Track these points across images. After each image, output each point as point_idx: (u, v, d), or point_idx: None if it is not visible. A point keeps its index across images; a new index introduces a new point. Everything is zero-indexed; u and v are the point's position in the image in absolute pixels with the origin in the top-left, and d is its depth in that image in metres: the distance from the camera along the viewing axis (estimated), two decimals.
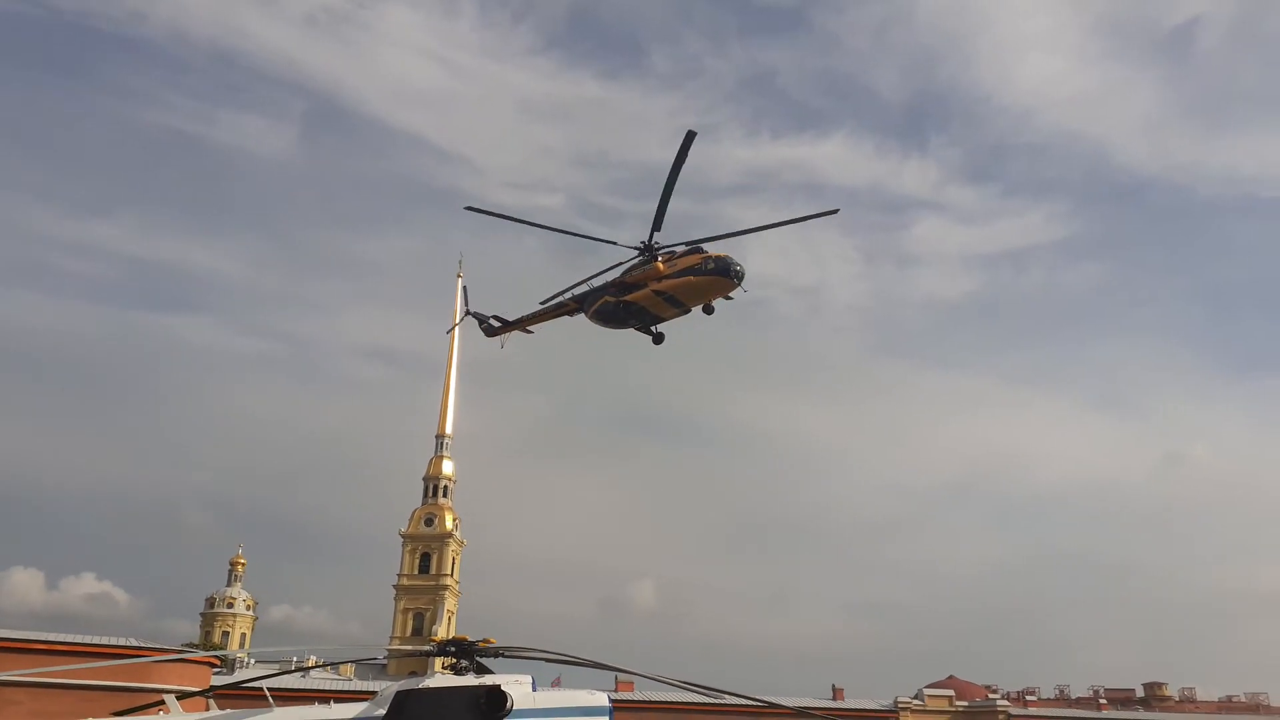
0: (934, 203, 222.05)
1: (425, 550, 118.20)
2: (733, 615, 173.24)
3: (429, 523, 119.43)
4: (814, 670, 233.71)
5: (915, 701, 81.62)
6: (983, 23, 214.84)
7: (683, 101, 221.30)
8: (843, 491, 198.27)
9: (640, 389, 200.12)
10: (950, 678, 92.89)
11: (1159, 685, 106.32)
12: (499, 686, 20.91)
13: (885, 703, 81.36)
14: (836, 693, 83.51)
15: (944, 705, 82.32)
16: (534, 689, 21.73)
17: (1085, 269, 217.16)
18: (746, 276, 26.27)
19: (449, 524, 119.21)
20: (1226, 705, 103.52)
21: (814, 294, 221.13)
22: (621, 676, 60.65)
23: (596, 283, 27.99)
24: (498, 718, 20.56)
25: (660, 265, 26.21)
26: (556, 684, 41.70)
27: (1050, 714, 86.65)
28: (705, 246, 26.08)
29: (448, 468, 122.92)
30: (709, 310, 26.69)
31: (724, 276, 25.78)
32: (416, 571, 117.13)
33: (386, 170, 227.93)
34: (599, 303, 27.51)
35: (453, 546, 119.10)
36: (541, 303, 28.79)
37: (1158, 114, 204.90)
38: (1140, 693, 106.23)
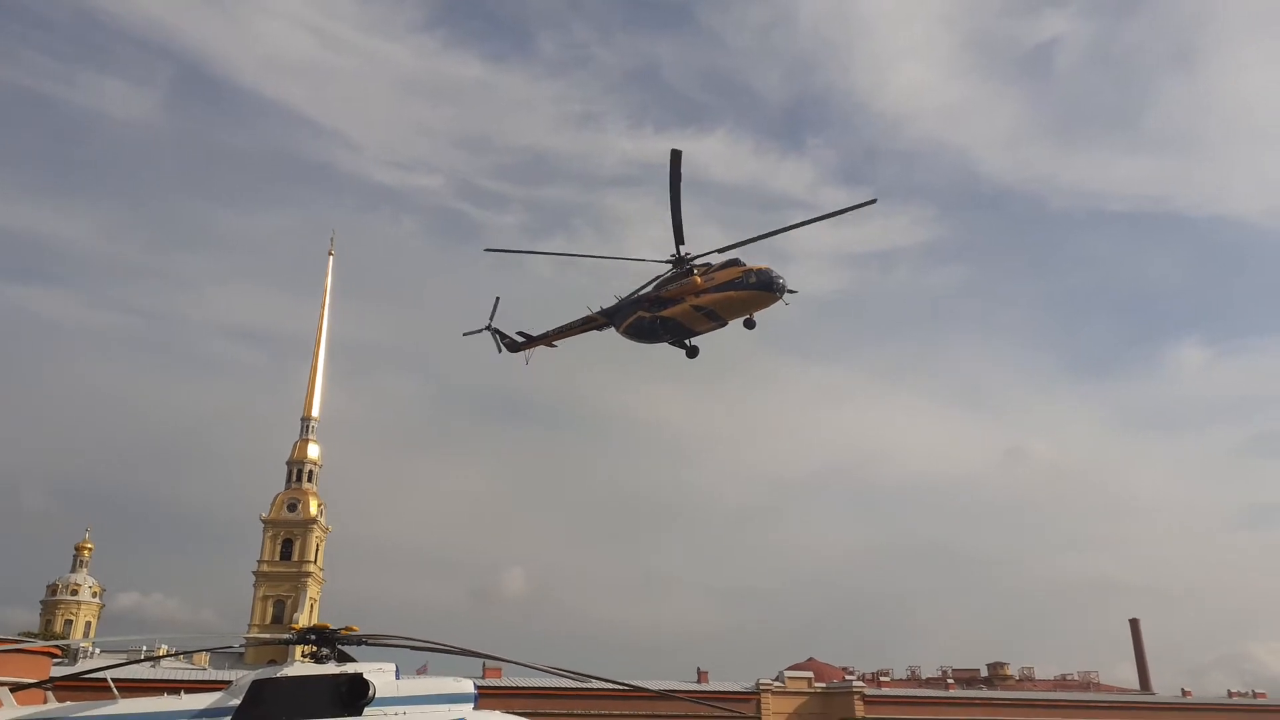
0: (808, 203, 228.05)
1: (288, 536, 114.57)
2: (603, 601, 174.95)
3: (292, 508, 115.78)
4: (681, 654, 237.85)
5: (776, 683, 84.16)
6: (861, 31, 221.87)
7: (568, 89, 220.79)
8: (714, 479, 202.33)
9: (514, 374, 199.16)
10: (810, 660, 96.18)
11: (1001, 665, 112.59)
12: (360, 675, 20.59)
13: (747, 685, 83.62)
14: (701, 675, 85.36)
15: (803, 686, 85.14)
16: (398, 677, 21.49)
17: (948, 271, 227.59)
18: (787, 289, 25.86)
19: (313, 509, 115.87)
20: (1061, 683, 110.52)
21: None
22: (489, 664, 60.40)
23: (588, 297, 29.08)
24: (359, 706, 20.24)
25: (698, 279, 25.54)
26: (423, 672, 41.23)
27: (901, 693, 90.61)
28: (707, 254, 26.03)
29: (313, 451, 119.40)
30: (750, 324, 25.93)
31: (767, 290, 25.31)
32: (278, 558, 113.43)
33: (257, 143, 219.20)
34: (633, 319, 26.56)
35: (316, 533, 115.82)
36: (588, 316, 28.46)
37: (1017, 128, 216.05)
38: (984, 672, 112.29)
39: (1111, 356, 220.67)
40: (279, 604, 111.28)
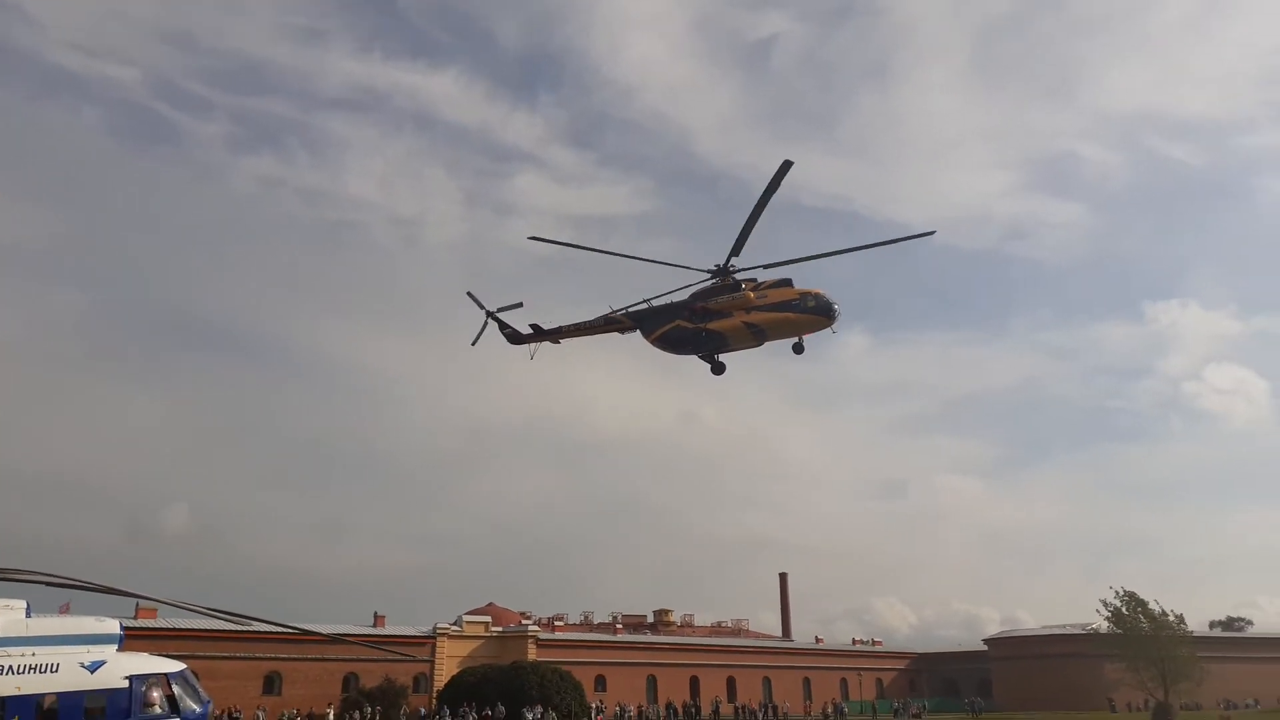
0: (536, 158, 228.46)
1: None
2: (284, 544, 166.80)
3: None
4: (364, 600, 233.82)
5: (454, 627, 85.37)
6: None
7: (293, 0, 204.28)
8: (415, 425, 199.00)
9: (199, 299, 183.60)
10: (490, 605, 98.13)
11: (666, 612, 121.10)
12: None
13: (425, 629, 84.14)
14: (378, 620, 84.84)
15: (480, 630, 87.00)
16: (28, 615, 19.82)
17: (660, 244, 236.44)
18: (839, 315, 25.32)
19: None
20: (715, 630, 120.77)
21: (413, 226, 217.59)
22: (142, 604, 56.28)
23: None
24: None
25: (751, 294, 24.65)
26: (65, 611, 37.85)
27: (572, 637, 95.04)
28: (751, 273, 24.88)
29: None
30: (799, 349, 25.30)
31: (825, 316, 24.64)
32: None
33: None
34: (669, 327, 25.35)
35: None
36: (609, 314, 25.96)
37: (733, 116, 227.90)
38: (651, 618, 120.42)
39: None
40: None
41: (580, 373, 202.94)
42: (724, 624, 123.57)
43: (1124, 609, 71.39)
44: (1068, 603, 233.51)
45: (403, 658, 75.16)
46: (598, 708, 64.85)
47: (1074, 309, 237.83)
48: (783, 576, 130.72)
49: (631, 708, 72.16)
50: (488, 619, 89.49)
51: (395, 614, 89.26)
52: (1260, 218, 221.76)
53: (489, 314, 26.81)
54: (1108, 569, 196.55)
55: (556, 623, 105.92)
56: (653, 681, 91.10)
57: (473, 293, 27.18)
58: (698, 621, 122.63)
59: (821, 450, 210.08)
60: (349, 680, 76.36)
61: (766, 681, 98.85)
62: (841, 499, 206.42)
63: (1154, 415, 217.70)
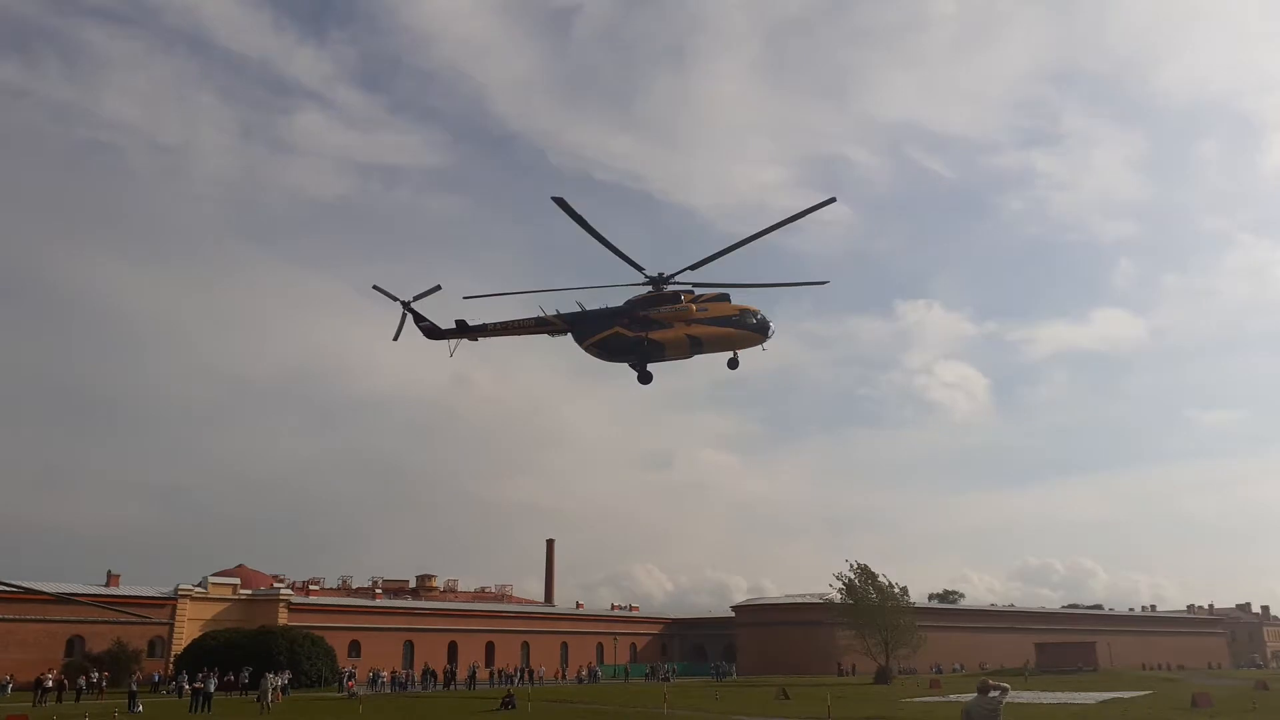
0: (322, 97, 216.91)
1: None
2: (4, 495, 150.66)
3: None
4: (96, 556, 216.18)
5: (198, 589, 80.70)
6: None
7: None
8: (161, 371, 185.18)
9: None
10: (240, 566, 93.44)
11: (430, 578, 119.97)
12: None
13: (165, 590, 79.02)
14: (111, 579, 78.81)
15: (228, 593, 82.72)
16: None
17: (449, 201, 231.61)
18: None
19: None
20: (479, 595, 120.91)
21: (178, 155, 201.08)
22: None
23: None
24: None
25: (693, 306, 24.11)
26: None
27: (328, 602, 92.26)
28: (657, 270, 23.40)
29: None
30: (734, 364, 25.02)
31: (762, 334, 24.50)
32: None
33: None
34: (608, 333, 24.33)
35: None
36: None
37: (532, 80, 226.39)
38: (413, 584, 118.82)
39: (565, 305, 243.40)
40: None
41: (346, 327, 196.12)
42: (488, 589, 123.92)
43: (856, 580, 77.75)
44: (810, 573, 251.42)
45: (138, 619, 70.37)
46: (350, 673, 63.35)
47: (833, 302, 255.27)
48: (549, 543, 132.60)
49: (385, 673, 71.03)
50: (236, 581, 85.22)
51: (133, 573, 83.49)
52: (1000, 231, 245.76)
53: (405, 305, 24.63)
54: (845, 542, 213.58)
55: (312, 587, 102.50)
56: (410, 647, 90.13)
57: (380, 286, 25.04)
58: (462, 587, 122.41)
59: (597, 421, 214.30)
60: (73, 644, 70.66)
61: (525, 646, 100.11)
62: (611, 469, 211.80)
63: (893, 403, 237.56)
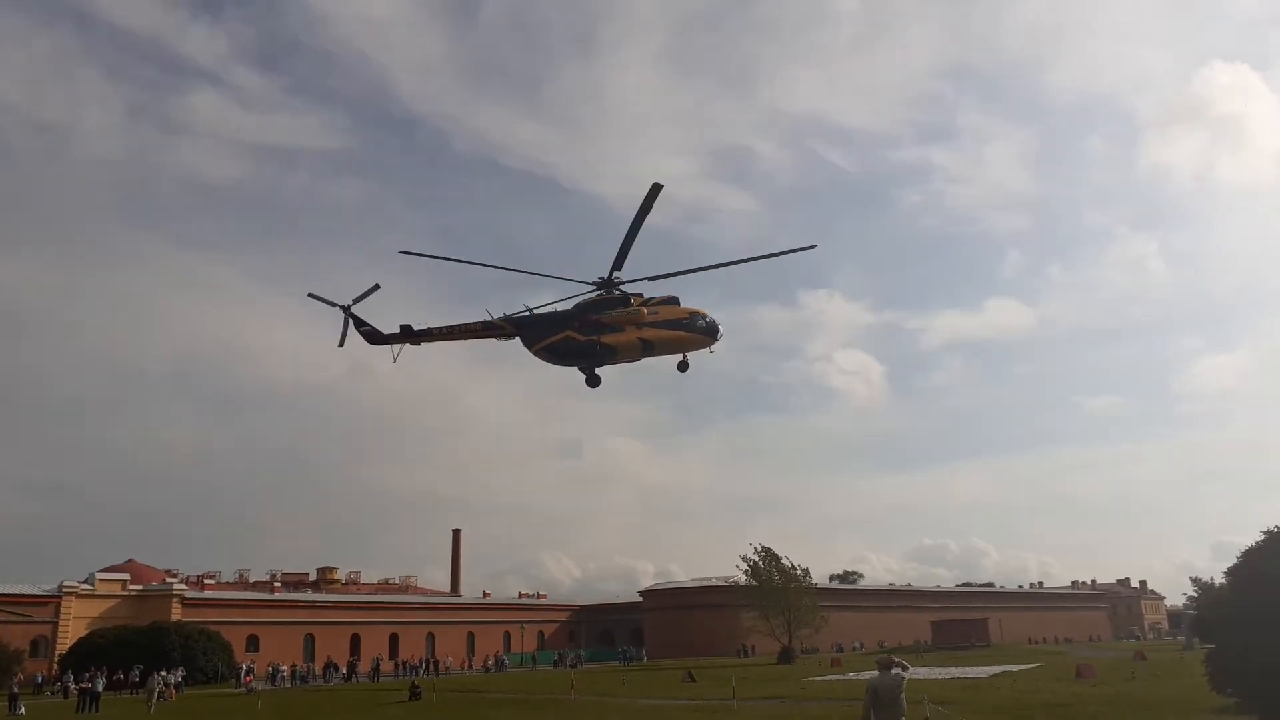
0: (216, 76, 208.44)
1: None
2: None
3: None
4: None
5: (84, 585, 77.33)
6: None
7: None
8: (45, 361, 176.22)
9: None
10: (130, 561, 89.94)
11: (331, 570, 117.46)
12: None
13: (49, 587, 75.46)
14: None
15: (116, 589, 79.50)
16: None
17: (349, 185, 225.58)
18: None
19: None
20: (383, 587, 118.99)
21: (59, 135, 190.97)
22: None
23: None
24: None
25: (644, 310, 23.84)
26: None
27: (225, 596, 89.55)
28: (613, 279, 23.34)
29: None
30: (684, 367, 24.95)
31: (711, 337, 24.70)
32: None
33: None
34: (559, 337, 23.80)
35: None
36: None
37: (437, 64, 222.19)
38: (314, 576, 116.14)
39: (482, 296, 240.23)
40: None
41: (239, 314, 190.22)
42: (392, 581, 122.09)
43: (761, 563, 79.15)
44: (717, 557, 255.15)
45: (18, 618, 67.05)
46: (248, 668, 61.58)
47: (739, 291, 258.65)
48: (456, 533, 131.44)
49: (285, 667, 69.28)
50: (125, 577, 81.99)
51: (12, 570, 79.55)
52: (898, 224, 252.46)
53: (345, 310, 23.51)
54: (751, 526, 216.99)
55: (207, 581, 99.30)
56: (311, 640, 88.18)
57: (315, 293, 23.98)
58: (365, 579, 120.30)
59: (504, 409, 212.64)
60: None
61: (431, 637, 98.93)
62: (519, 457, 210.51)
63: (795, 391, 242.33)
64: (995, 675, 45.46)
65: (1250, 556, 19.79)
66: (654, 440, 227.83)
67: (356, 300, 23.42)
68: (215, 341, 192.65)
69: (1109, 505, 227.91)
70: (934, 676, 43.25)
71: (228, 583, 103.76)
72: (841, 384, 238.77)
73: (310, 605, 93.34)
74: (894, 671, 13.75)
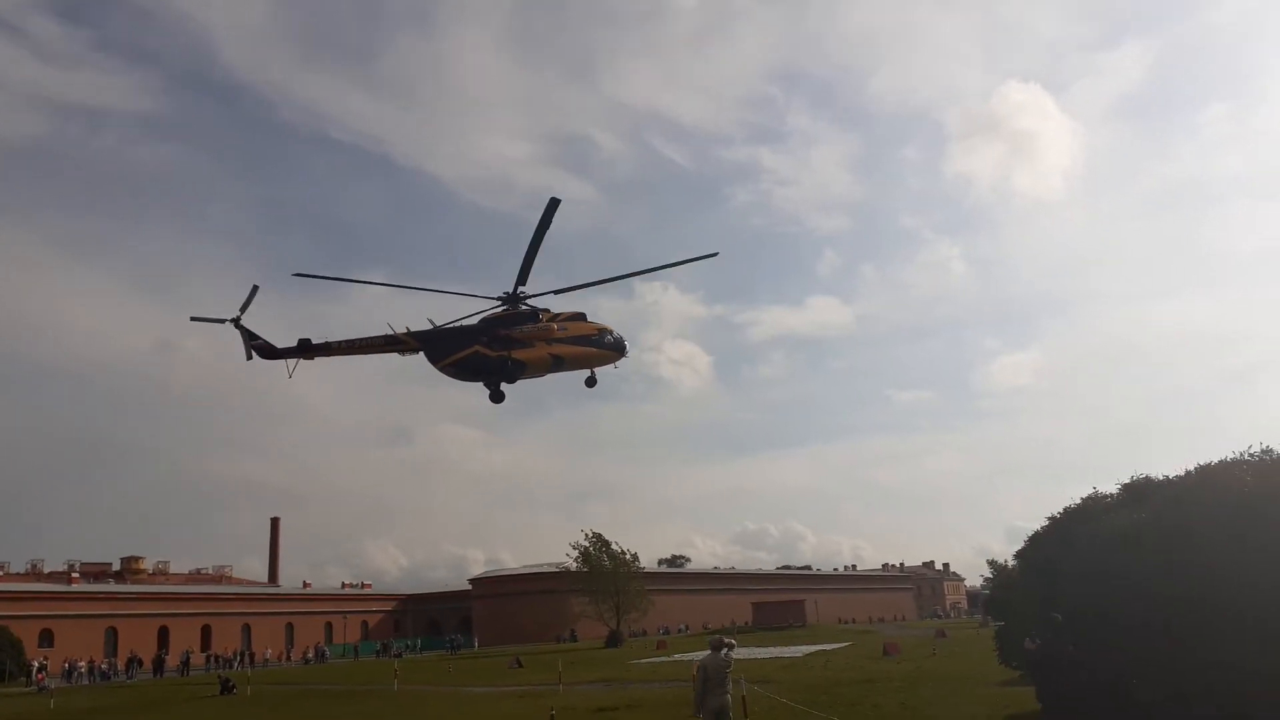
0: (10, 24, 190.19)
1: None
2: None
3: None
4: None
5: None
6: None
7: None
8: None
9: None
10: None
11: (136, 559, 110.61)
12: None
13: None
14: None
15: None
16: None
17: (161, 150, 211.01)
18: None
19: None
20: (193, 577, 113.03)
21: None
22: None
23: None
24: None
25: (554, 326, 23.43)
26: None
27: (16, 588, 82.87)
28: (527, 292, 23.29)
29: None
30: (592, 382, 24.61)
31: (619, 352, 24.65)
32: None
33: None
34: (467, 353, 23.06)
35: None
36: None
37: (264, 28, 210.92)
38: (118, 566, 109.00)
39: (314, 270, 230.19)
40: None
41: (34, 284, 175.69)
42: (204, 571, 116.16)
43: (591, 549, 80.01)
44: (550, 544, 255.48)
45: None
46: (40, 665, 57.24)
47: (575, 281, 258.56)
48: (274, 521, 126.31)
49: (83, 663, 64.77)
50: None
51: None
52: (730, 220, 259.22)
53: (235, 323, 22.13)
54: (583, 513, 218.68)
55: None
56: (114, 634, 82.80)
57: (199, 315, 22.16)
58: (175, 569, 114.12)
59: (329, 394, 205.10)
60: None
61: (247, 629, 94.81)
62: (346, 445, 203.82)
63: (628, 379, 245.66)
64: (810, 654, 47.76)
65: (1035, 541, 21.59)
66: (488, 428, 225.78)
67: (243, 309, 22.22)
68: (3, 312, 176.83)
69: (917, 492, 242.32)
70: (754, 657, 44.98)
71: (17, 574, 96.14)
72: (670, 373, 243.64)
73: (112, 597, 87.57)
74: (723, 652, 14.37)
